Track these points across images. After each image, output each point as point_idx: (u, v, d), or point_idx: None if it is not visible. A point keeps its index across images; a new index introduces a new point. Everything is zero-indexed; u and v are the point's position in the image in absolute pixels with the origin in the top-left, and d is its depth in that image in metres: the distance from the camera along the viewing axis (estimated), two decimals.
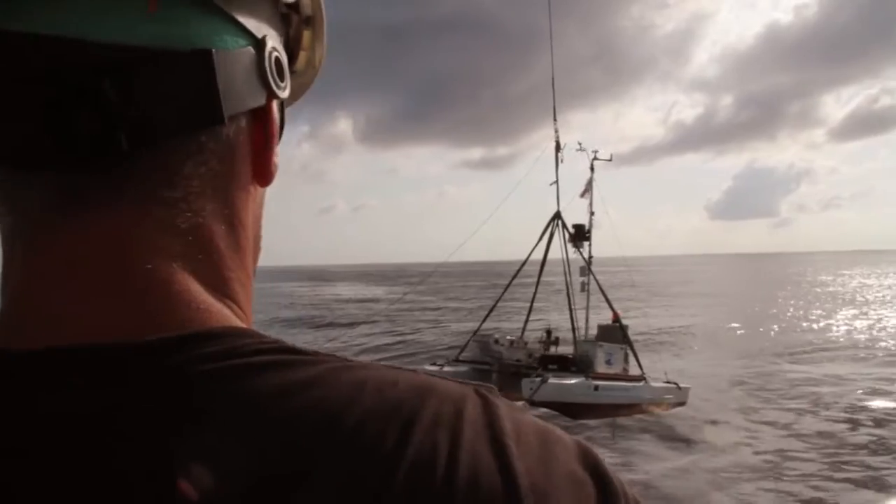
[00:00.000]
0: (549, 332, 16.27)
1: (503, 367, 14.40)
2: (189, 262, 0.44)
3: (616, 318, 16.01)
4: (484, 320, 16.73)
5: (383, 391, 0.41)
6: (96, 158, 0.40)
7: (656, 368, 15.71)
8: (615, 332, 15.80)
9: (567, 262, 16.88)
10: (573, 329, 15.84)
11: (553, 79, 17.79)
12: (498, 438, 0.41)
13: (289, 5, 0.52)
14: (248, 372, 0.39)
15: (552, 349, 15.60)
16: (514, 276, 16.62)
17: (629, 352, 15.49)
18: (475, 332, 16.27)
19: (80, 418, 0.36)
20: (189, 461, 0.35)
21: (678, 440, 15.35)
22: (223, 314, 0.44)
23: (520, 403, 13.18)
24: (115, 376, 0.38)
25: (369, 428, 0.39)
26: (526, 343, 15.56)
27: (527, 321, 17.47)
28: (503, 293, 17.01)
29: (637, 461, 14.24)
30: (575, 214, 17.89)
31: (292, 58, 0.55)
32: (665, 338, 30.55)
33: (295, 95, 0.59)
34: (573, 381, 13.74)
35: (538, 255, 16.82)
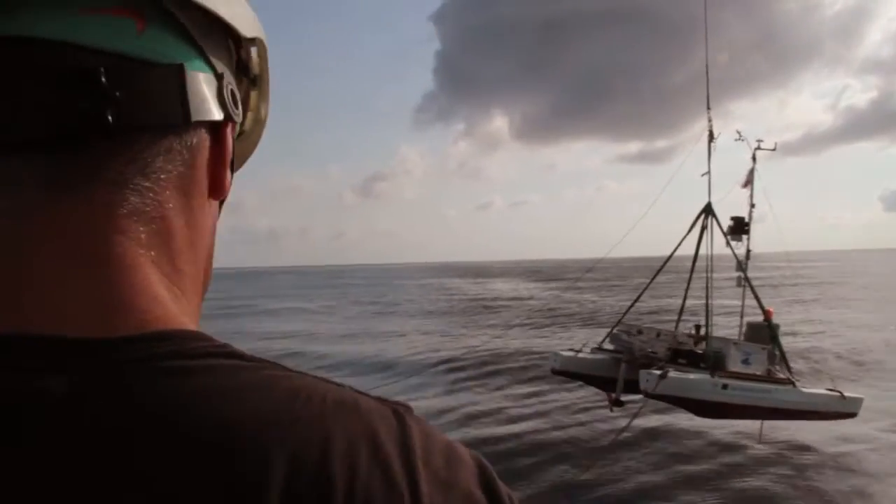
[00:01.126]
0: (698, 327, 15.64)
1: (632, 358, 14.02)
2: (151, 250, 0.49)
3: (767, 317, 15.13)
4: (626, 313, 16.38)
5: (312, 402, 0.45)
6: (83, 139, 0.45)
7: (821, 373, 14.40)
8: (765, 332, 15.00)
9: (711, 256, 16.17)
10: (707, 325, 15.14)
11: (707, 66, 17.07)
12: (409, 459, 0.45)
13: (238, 67, 0.59)
14: (195, 373, 0.43)
15: (701, 345, 15.04)
16: (658, 273, 16.18)
17: (779, 353, 14.61)
18: (618, 322, 16.03)
19: (16, 395, 0.40)
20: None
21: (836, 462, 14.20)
22: (172, 311, 0.48)
23: (638, 396, 12.97)
24: (60, 368, 0.41)
25: (296, 437, 0.42)
26: (675, 336, 15.16)
27: (680, 316, 16.93)
28: (645, 288, 16.63)
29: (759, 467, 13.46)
30: (734, 208, 16.97)
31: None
32: (832, 339, 28.25)
33: (243, 155, 0.65)
34: (696, 377, 13.10)
35: (694, 250, 16.25)
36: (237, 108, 0.56)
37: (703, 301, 15.42)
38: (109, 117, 0.45)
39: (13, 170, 0.46)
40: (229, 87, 0.55)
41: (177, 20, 0.50)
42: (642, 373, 12.96)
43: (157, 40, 0.49)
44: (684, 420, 15.00)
